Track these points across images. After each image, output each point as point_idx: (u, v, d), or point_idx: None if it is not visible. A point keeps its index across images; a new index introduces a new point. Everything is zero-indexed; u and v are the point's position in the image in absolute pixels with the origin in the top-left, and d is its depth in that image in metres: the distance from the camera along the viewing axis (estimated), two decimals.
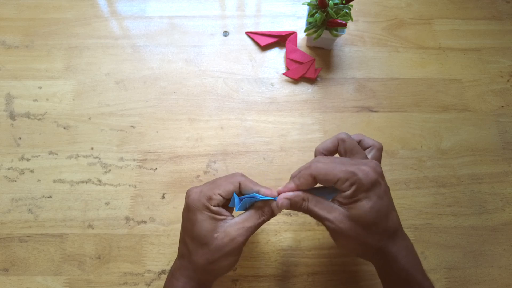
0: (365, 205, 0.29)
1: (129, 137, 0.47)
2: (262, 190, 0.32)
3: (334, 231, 0.30)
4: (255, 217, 0.32)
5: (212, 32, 0.54)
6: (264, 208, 0.32)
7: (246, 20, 0.55)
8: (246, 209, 0.33)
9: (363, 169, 0.29)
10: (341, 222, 0.30)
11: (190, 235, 0.32)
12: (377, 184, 0.30)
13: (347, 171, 0.29)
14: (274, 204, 0.32)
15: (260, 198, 0.32)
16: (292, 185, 0.32)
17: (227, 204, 0.33)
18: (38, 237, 0.42)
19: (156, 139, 0.47)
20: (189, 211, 0.32)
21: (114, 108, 0.48)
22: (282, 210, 0.34)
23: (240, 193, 0.33)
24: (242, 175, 0.34)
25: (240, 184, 0.32)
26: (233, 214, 0.33)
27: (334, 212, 0.30)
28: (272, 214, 0.32)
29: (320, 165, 0.30)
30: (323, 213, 0.30)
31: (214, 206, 0.31)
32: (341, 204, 0.30)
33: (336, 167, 0.30)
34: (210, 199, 0.31)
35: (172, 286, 0.33)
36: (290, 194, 0.31)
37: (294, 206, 0.31)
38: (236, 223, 0.31)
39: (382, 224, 0.30)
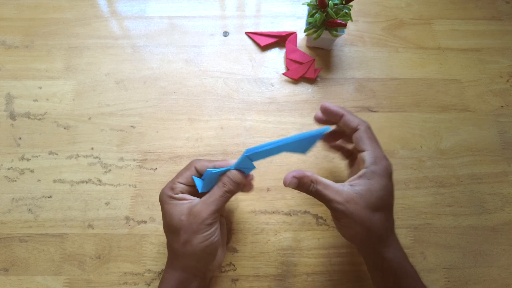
0: (378, 190, 0.30)
1: (129, 137, 0.47)
2: (218, 163, 0.33)
3: (342, 213, 0.30)
4: (217, 190, 0.32)
5: (212, 32, 0.54)
6: (223, 178, 0.33)
7: (246, 20, 0.55)
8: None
9: (386, 159, 0.32)
10: (349, 203, 0.30)
11: (166, 228, 0.33)
12: (390, 180, 0.32)
13: (377, 151, 0.32)
14: (229, 172, 0.32)
15: (215, 171, 0.32)
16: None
17: (195, 192, 0.34)
18: (38, 237, 0.42)
19: (156, 139, 0.47)
20: (161, 208, 0.34)
21: (114, 108, 0.48)
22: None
23: (200, 176, 0.34)
24: (198, 159, 0.35)
25: (195, 167, 0.34)
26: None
27: (344, 193, 0.31)
28: (234, 183, 0.32)
29: (354, 117, 0.34)
30: (332, 195, 0.31)
31: (177, 193, 0.33)
32: (355, 184, 0.31)
33: (372, 142, 0.33)
34: (172, 188, 0.33)
35: (162, 279, 0.34)
36: (300, 173, 0.31)
37: (302, 186, 0.32)
38: (199, 201, 0.32)
39: (386, 214, 0.32)
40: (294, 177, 0.31)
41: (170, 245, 0.34)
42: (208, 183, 0.33)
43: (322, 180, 0.32)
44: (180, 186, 0.33)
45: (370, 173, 0.31)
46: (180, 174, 0.34)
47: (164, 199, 0.33)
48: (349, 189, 0.31)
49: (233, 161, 0.33)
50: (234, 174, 0.33)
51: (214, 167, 0.33)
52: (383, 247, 0.32)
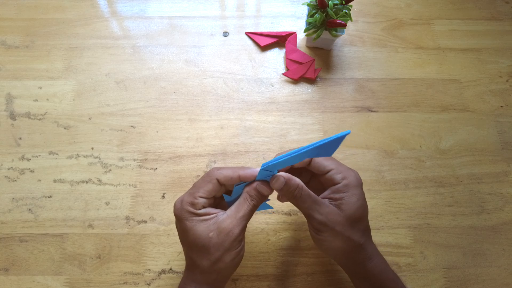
0: (356, 202, 0.31)
1: (129, 137, 0.47)
2: (242, 173, 0.32)
3: (321, 224, 0.31)
4: (245, 204, 0.31)
5: (212, 32, 0.54)
6: (250, 191, 0.31)
7: (246, 21, 0.55)
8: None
9: (353, 171, 0.33)
10: (331, 213, 0.31)
11: (187, 245, 0.32)
12: (362, 187, 0.33)
13: (342, 167, 0.33)
14: (255, 184, 0.31)
15: (243, 185, 0.32)
16: None
17: (215, 203, 0.33)
18: (39, 236, 0.42)
19: (156, 139, 0.47)
20: (179, 222, 0.32)
21: (114, 108, 0.49)
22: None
23: (224, 185, 0.32)
24: (217, 169, 0.33)
25: (218, 180, 0.32)
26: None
27: (324, 205, 0.31)
28: (261, 195, 0.32)
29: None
30: (312, 204, 0.31)
31: (199, 209, 0.31)
32: (331, 200, 0.32)
33: (333, 161, 0.33)
34: (192, 204, 0.31)
35: None
36: (289, 175, 0.31)
37: (287, 189, 0.31)
38: (227, 216, 0.31)
39: (365, 222, 0.33)
40: (283, 177, 0.31)
41: (194, 262, 0.31)
42: (234, 195, 0.33)
43: (307, 189, 0.32)
44: (202, 201, 0.31)
45: (343, 187, 0.31)
46: (199, 186, 0.32)
47: (185, 216, 0.31)
48: (328, 202, 0.31)
49: (257, 169, 0.32)
50: (261, 187, 0.31)
51: (239, 177, 0.32)
52: (365, 258, 0.32)
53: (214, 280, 0.31)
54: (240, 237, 0.30)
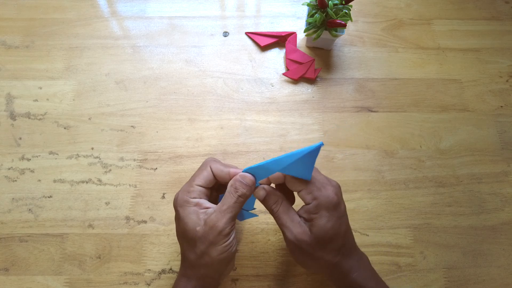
0: (326, 223, 0.30)
1: (129, 137, 0.47)
2: (232, 171, 0.32)
3: (291, 243, 0.31)
4: (229, 197, 0.31)
5: (212, 33, 0.54)
6: (234, 183, 0.31)
7: (246, 21, 0.55)
8: None
9: (327, 190, 0.31)
10: (300, 234, 0.31)
11: (180, 235, 0.32)
12: (337, 206, 0.31)
13: (313, 186, 0.31)
14: (238, 176, 0.32)
15: None
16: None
17: (211, 196, 0.34)
18: (39, 237, 0.42)
19: (156, 139, 0.47)
20: (175, 212, 0.32)
21: (114, 108, 0.49)
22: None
23: (214, 177, 0.33)
24: (213, 159, 0.34)
25: (211, 168, 0.33)
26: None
27: (297, 224, 0.31)
28: (246, 186, 0.31)
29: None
30: (287, 221, 0.31)
31: (194, 198, 0.31)
32: (305, 220, 0.32)
33: (307, 181, 0.31)
34: (188, 192, 0.32)
35: (175, 286, 0.33)
36: (271, 188, 0.32)
37: (268, 201, 0.32)
38: (213, 210, 0.31)
39: (339, 242, 0.31)
40: (265, 189, 0.32)
41: (184, 254, 0.32)
42: None
43: (286, 204, 0.32)
44: (197, 189, 0.32)
45: (313, 208, 0.31)
46: (195, 175, 0.33)
47: (180, 203, 0.31)
48: (301, 222, 0.32)
49: (248, 174, 0.32)
50: (244, 176, 0.31)
51: (229, 174, 0.32)
52: (341, 274, 0.32)
53: (203, 275, 0.31)
54: (226, 231, 0.30)
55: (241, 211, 0.35)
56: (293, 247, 0.32)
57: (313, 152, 0.29)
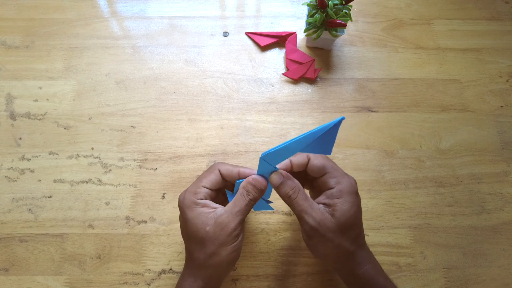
0: (350, 209, 0.31)
1: (129, 137, 0.47)
2: (242, 170, 0.33)
3: (313, 229, 0.31)
4: (241, 199, 0.31)
5: (212, 33, 0.54)
6: (246, 186, 0.31)
7: (246, 21, 0.55)
8: None
9: (348, 177, 0.33)
10: (323, 220, 0.30)
11: (186, 236, 0.32)
12: (357, 194, 0.32)
13: (337, 171, 0.32)
14: (250, 178, 0.31)
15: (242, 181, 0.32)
16: (287, 161, 0.33)
17: (219, 200, 0.34)
18: (39, 237, 0.42)
19: (156, 139, 0.47)
20: (181, 213, 0.33)
21: (114, 108, 0.49)
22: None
23: (224, 180, 0.33)
24: (222, 163, 0.34)
25: (220, 171, 0.33)
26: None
27: (318, 210, 0.31)
28: (257, 189, 0.31)
29: (317, 156, 0.33)
30: (307, 207, 0.31)
31: (201, 199, 0.31)
32: (325, 205, 0.32)
33: (330, 164, 0.33)
34: (195, 193, 0.32)
35: (180, 286, 0.32)
36: (288, 174, 0.32)
37: (283, 188, 0.31)
38: (224, 211, 0.31)
39: (356, 231, 0.32)
40: (283, 175, 0.31)
41: (191, 254, 0.32)
42: (236, 191, 0.33)
43: (304, 191, 0.32)
44: (204, 191, 0.32)
45: (337, 192, 0.31)
46: (203, 177, 0.33)
47: (188, 204, 0.31)
48: (322, 208, 0.31)
49: (255, 170, 0.32)
50: (257, 180, 0.31)
51: (239, 173, 0.32)
52: (354, 264, 0.32)
53: (210, 276, 0.31)
54: (236, 232, 0.30)
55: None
56: (313, 233, 0.31)
57: (335, 127, 0.28)
